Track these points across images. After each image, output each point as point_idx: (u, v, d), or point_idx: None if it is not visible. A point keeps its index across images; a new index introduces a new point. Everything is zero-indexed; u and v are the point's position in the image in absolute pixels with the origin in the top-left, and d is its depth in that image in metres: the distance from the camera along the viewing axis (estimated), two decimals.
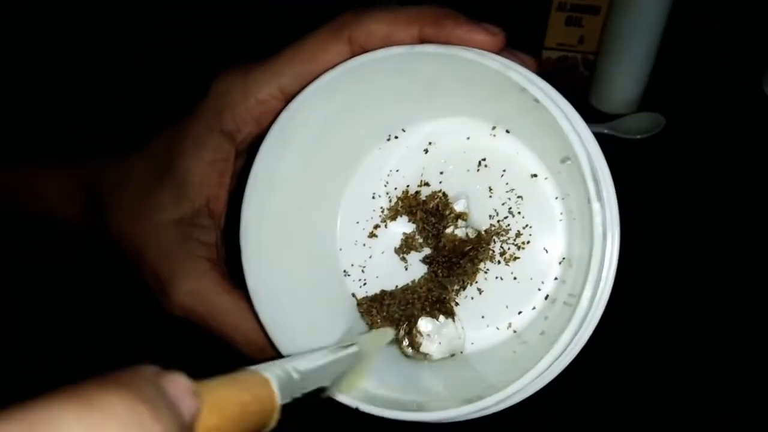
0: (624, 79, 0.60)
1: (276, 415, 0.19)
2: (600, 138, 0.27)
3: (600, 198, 0.25)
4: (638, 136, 0.61)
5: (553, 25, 0.60)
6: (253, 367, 0.20)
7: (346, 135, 0.34)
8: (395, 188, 0.37)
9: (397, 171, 0.37)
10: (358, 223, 0.37)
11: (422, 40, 0.28)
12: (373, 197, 0.37)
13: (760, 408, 0.47)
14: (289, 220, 0.33)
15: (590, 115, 0.25)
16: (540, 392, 0.28)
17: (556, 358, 0.25)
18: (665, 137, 0.60)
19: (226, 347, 0.33)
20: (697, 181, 0.58)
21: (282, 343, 0.30)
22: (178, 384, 0.15)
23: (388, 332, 0.34)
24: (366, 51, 0.29)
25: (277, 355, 0.31)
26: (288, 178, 0.32)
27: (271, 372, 0.20)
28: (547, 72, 0.26)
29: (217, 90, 0.32)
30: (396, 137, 0.36)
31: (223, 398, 0.17)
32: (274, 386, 0.19)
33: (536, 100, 0.27)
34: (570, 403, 0.49)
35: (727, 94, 0.63)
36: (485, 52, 0.27)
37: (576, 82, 0.62)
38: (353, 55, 0.29)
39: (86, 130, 0.37)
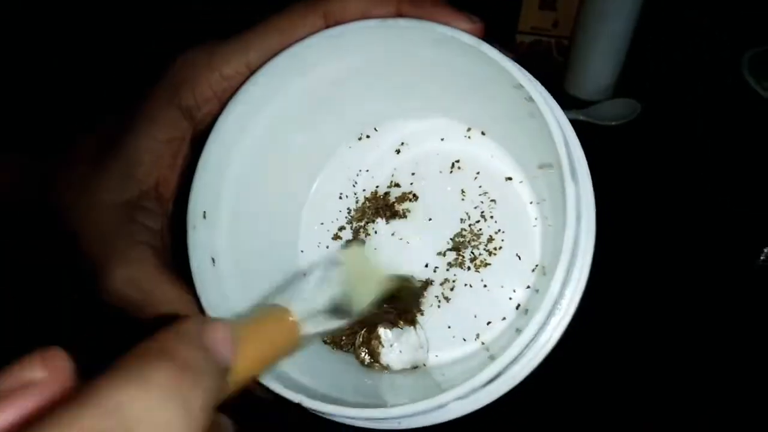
0: (599, 64, 0.58)
1: (300, 342, 0.21)
2: (574, 125, 0.26)
3: (575, 177, 0.24)
4: (613, 123, 0.59)
5: (526, 9, 0.59)
6: (270, 303, 0.22)
7: (315, 127, 0.33)
8: (364, 189, 0.35)
9: (367, 171, 0.35)
10: (322, 224, 0.35)
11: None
12: (340, 197, 0.35)
13: (743, 405, 0.45)
14: (244, 213, 0.31)
15: (564, 101, 0.24)
16: (520, 396, 0.25)
17: (521, 350, 0.23)
18: (641, 124, 0.59)
19: None
20: (673, 168, 0.56)
21: None
22: (217, 334, 0.17)
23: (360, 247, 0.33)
24: None
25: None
26: (245, 165, 0.30)
27: (288, 303, 0.22)
28: (521, 57, 0.25)
29: (180, 63, 0.30)
30: (368, 136, 0.35)
31: (254, 338, 0.19)
32: (296, 316, 0.21)
33: (520, 86, 0.25)
34: (552, 404, 0.45)
35: (705, 79, 0.61)
36: (460, 30, 0.26)
37: (550, 68, 0.60)
38: None
39: (86, 131, 0.35)
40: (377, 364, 0.31)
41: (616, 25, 0.55)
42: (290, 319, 0.21)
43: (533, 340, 0.23)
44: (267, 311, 0.22)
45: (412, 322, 0.32)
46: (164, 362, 0.15)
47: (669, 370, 0.47)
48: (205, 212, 0.28)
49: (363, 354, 0.31)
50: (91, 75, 0.53)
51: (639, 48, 0.58)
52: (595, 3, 0.55)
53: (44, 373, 0.15)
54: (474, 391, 0.23)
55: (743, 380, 0.46)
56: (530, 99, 0.25)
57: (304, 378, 0.26)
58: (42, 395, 0.15)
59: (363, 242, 0.33)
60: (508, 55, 0.27)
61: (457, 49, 0.26)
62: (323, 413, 0.24)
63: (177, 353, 0.16)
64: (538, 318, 0.22)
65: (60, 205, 0.32)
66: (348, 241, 0.34)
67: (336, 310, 0.25)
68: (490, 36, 0.28)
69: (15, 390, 0.15)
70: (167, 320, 0.17)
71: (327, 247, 0.35)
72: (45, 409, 0.15)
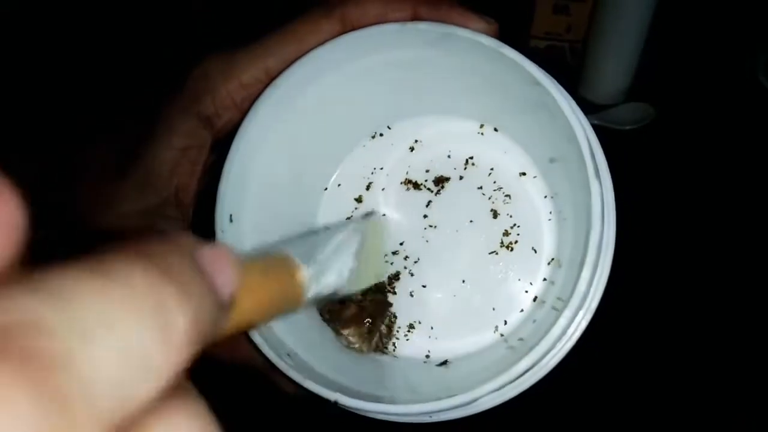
0: (612, 68, 0.58)
1: (302, 304, 0.19)
2: None
3: (598, 175, 0.25)
4: (627, 127, 0.59)
5: (540, 14, 0.59)
6: (279, 250, 0.19)
7: (332, 127, 0.33)
8: (379, 188, 0.35)
9: (381, 169, 0.35)
10: None
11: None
12: (355, 198, 0.35)
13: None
14: (266, 215, 0.31)
15: (578, 105, 0.25)
16: (532, 397, 0.26)
17: (552, 344, 0.24)
18: (655, 128, 0.59)
19: None
20: (688, 173, 0.56)
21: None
22: (218, 256, 0.13)
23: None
24: None
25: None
26: (267, 169, 0.30)
27: (302, 259, 0.19)
28: (534, 62, 0.26)
29: (198, 72, 0.30)
30: (381, 135, 0.36)
31: (258, 281, 0.16)
32: (306, 276, 0.19)
33: (538, 84, 0.26)
34: (563, 408, 0.46)
35: (720, 83, 0.61)
36: (479, 33, 0.27)
37: (564, 73, 0.59)
38: None
39: (102, 136, 0.35)
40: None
41: (629, 28, 0.55)
42: (301, 275, 0.19)
43: (563, 333, 0.24)
44: (279, 260, 0.18)
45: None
46: (142, 261, 0.11)
47: (686, 382, 0.48)
48: (231, 216, 0.28)
49: (386, 345, 0.32)
50: (106, 80, 0.53)
51: (653, 51, 0.58)
52: (609, 7, 0.54)
53: None
54: (505, 384, 0.24)
55: (748, 376, 0.48)
56: (548, 96, 0.26)
57: (339, 377, 0.27)
58: None
59: (383, 216, 0.34)
60: None
61: (474, 50, 0.27)
62: (359, 410, 0.25)
63: (161, 257, 0.12)
64: (567, 314, 0.23)
65: (79, 213, 0.32)
66: (367, 214, 0.34)
67: (338, 282, 0.23)
68: (503, 41, 0.28)
69: None
70: None
71: None
72: None
